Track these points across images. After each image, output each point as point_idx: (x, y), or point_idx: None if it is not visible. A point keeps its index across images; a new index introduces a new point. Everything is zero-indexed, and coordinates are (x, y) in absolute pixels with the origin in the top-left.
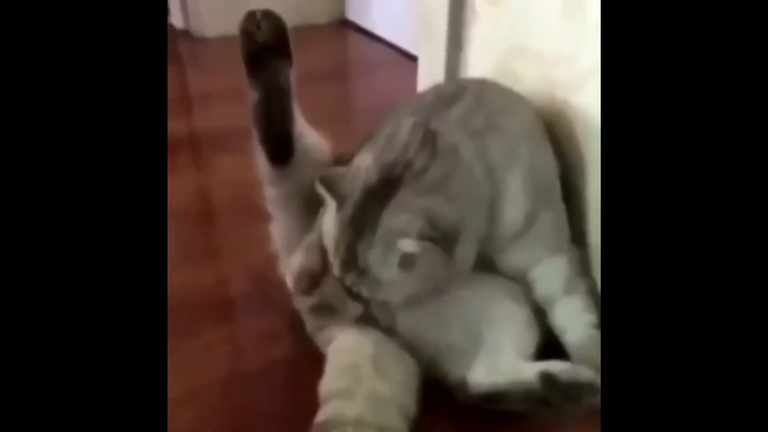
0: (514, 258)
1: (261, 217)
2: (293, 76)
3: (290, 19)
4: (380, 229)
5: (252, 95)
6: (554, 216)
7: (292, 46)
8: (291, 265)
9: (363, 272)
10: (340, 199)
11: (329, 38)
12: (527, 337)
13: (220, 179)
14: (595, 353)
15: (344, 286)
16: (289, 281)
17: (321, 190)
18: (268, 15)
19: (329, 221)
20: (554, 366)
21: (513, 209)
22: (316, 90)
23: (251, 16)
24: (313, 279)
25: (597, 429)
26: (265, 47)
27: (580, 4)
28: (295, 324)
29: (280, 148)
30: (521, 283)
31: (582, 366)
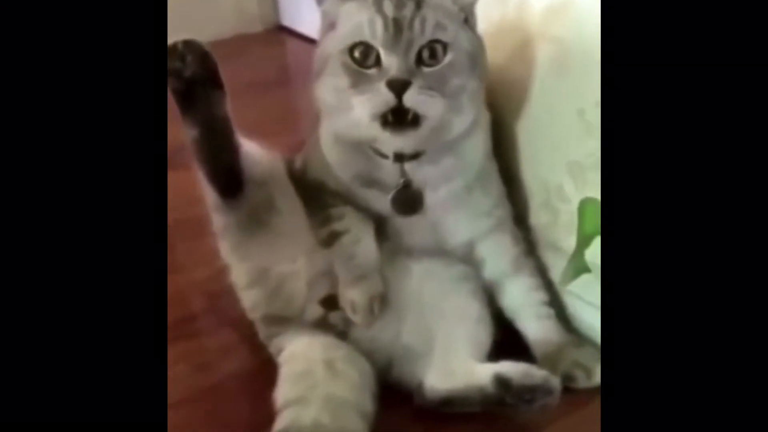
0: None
1: (206, 231)
2: (228, 104)
3: (226, 30)
4: None
5: (189, 132)
6: (490, 188)
7: (223, 69)
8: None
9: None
10: None
11: (267, 45)
12: (481, 334)
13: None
14: (554, 338)
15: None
16: (242, 296)
17: None
18: (191, 46)
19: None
20: (507, 369)
21: None
22: (260, 98)
23: (173, 50)
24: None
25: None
26: (195, 81)
27: None
28: (250, 336)
29: (229, 182)
30: (470, 263)
31: (534, 367)
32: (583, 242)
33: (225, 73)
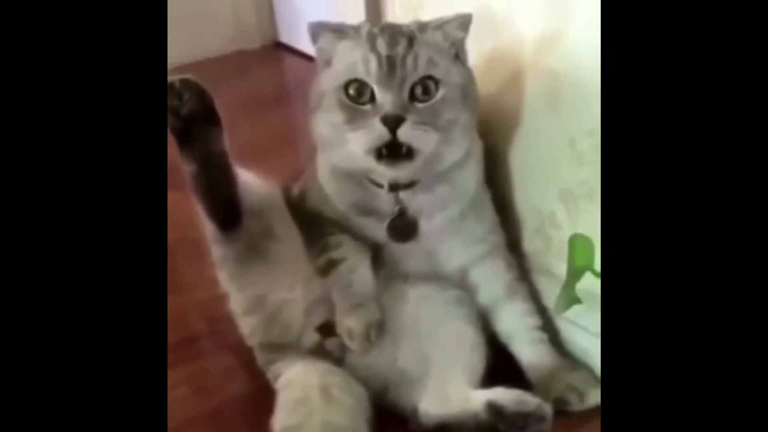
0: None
1: (207, 252)
2: (225, 139)
3: (224, 47)
4: None
5: (188, 168)
6: (483, 215)
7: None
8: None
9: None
10: None
11: (265, 62)
12: (475, 360)
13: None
14: (548, 362)
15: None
16: (240, 323)
17: None
18: (188, 84)
19: None
20: (500, 395)
21: None
22: (260, 114)
23: (171, 88)
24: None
25: None
26: (192, 118)
27: None
28: (250, 360)
29: (228, 215)
30: (465, 289)
31: (527, 394)
32: (573, 276)
33: (223, 90)
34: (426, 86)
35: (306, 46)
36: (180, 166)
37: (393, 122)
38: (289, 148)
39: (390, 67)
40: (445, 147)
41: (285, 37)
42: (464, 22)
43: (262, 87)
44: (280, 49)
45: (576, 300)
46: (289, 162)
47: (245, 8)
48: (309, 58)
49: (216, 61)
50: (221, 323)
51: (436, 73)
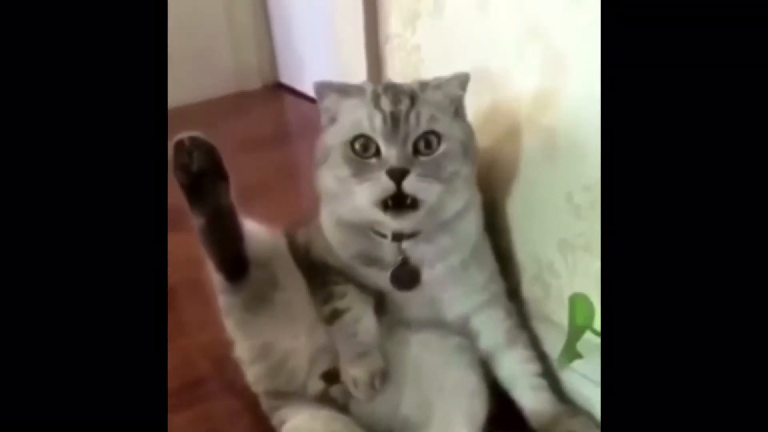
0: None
1: (210, 294)
2: (232, 193)
3: (225, 87)
4: None
5: (197, 222)
6: (484, 264)
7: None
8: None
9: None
10: None
11: (266, 103)
12: (477, 407)
13: (172, 259)
14: (549, 408)
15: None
16: (245, 370)
17: None
18: (197, 142)
19: None
20: None
21: None
22: (260, 154)
23: (180, 146)
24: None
25: None
26: (201, 174)
27: None
28: (256, 404)
29: (235, 267)
30: (466, 335)
31: None
32: (574, 335)
33: (224, 130)
34: (428, 141)
35: (307, 86)
36: (183, 208)
37: (398, 175)
38: (290, 186)
39: (394, 123)
40: (448, 197)
41: (286, 78)
42: (463, 80)
43: (263, 127)
44: (281, 89)
45: (578, 356)
46: (290, 200)
47: (246, 49)
48: (310, 99)
49: (217, 101)
50: (227, 364)
51: (438, 128)
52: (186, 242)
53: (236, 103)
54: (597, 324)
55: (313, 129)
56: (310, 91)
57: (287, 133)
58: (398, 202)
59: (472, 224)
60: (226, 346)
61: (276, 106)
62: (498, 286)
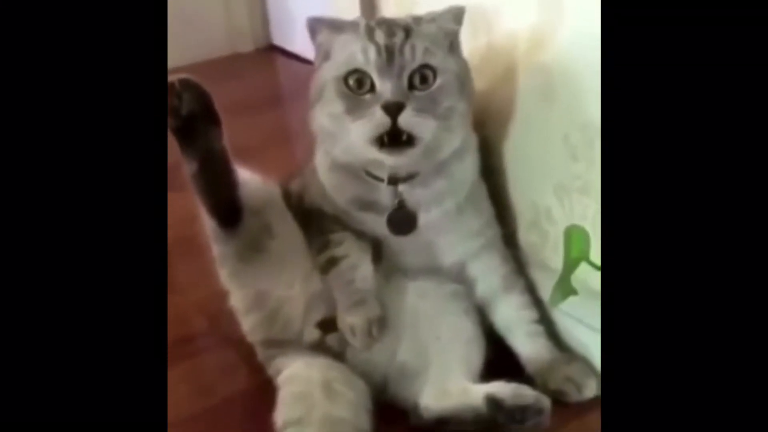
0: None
1: (205, 250)
2: (225, 138)
3: (218, 50)
4: None
5: (189, 167)
6: (480, 208)
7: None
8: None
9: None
10: None
11: (259, 65)
12: (474, 354)
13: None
14: (545, 355)
15: None
16: (241, 320)
17: None
18: (187, 84)
19: None
20: (499, 389)
21: None
22: (253, 117)
23: (170, 89)
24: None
25: None
26: (192, 118)
27: None
28: (250, 356)
29: (228, 212)
30: (463, 282)
31: (525, 387)
32: (569, 267)
33: (217, 93)
34: (424, 75)
35: (300, 48)
36: (178, 167)
37: (394, 109)
38: (283, 149)
39: (389, 56)
40: (444, 135)
41: (278, 40)
42: (457, 14)
43: (256, 89)
44: (273, 51)
45: (572, 291)
46: (283, 163)
47: (238, 11)
48: (303, 61)
49: (210, 64)
50: (221, 319)
51: (433, 62)
52: (180, 201)
53: (229, 65)
54: (593, 257)
55: (306, 91)
56: (303, 53)
57: (280, 95)
58: (394, 139)
59: (468, 167)
60: (221, 301)
61: (269, 69)
62: (494, 232)
